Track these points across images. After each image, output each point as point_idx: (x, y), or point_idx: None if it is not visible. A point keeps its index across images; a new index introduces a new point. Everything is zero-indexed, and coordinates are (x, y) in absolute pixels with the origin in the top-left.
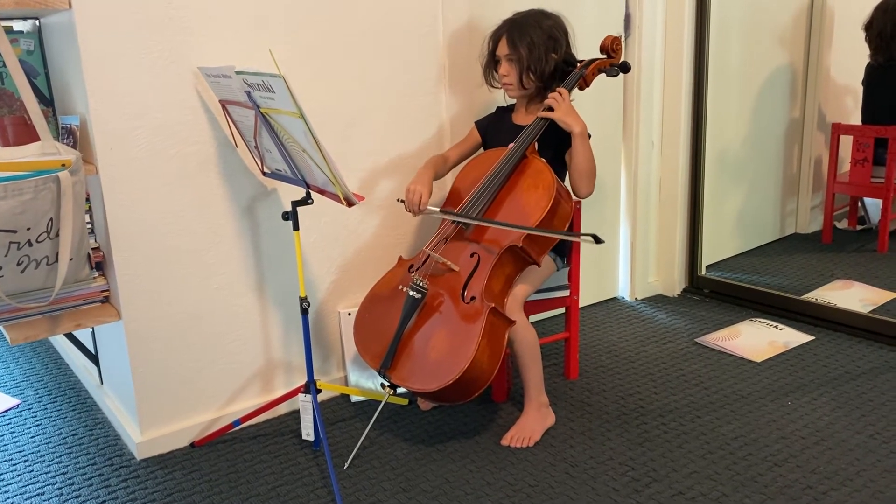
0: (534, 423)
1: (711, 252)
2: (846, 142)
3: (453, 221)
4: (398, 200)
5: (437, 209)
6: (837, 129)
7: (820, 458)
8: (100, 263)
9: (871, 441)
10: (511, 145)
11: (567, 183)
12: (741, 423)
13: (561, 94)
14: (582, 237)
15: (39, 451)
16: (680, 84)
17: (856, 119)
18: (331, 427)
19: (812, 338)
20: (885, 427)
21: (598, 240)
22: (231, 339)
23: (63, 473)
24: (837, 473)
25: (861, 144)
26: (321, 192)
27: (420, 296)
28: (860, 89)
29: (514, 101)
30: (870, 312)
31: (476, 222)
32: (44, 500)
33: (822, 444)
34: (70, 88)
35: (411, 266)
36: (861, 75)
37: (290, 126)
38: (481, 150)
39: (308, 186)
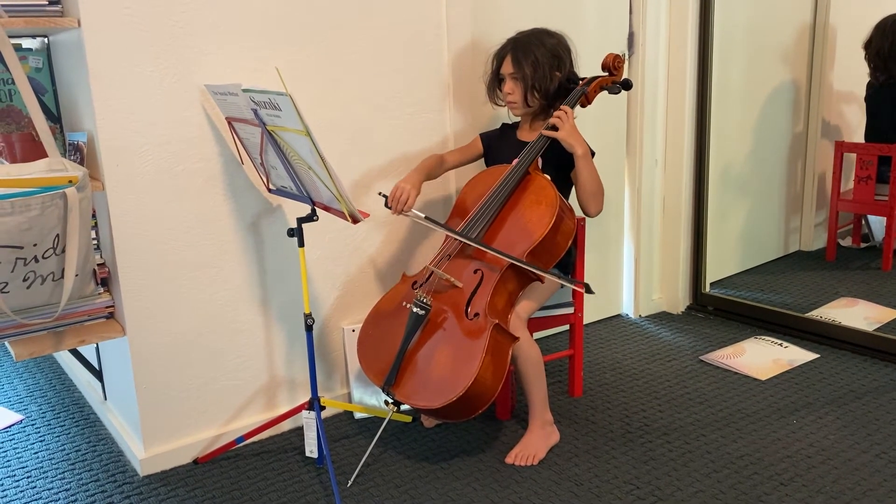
0: (538, 441)
1: (715, 269)
2: (850, 159)
3: (451, 235)
4: (380, 194)
5: (422, 215)
6: (841, 147)
7: (826, 477)
8: (105, 279)
9: (877, 461)
10: (514, 161)
11: (571, 199)
12: (746, 441)
13: (566, 112)
14: (574, 283)
15: (42, 467)
16: (683, 101)
17: (859, 136)
18: (334, 444)
19: (817, 356)
20: (892, 447)
21: (588, 290)
22: (235, 356)
23: (66, 490)
24: (844, 493)
25: (864, 162)
26: (326, 208)
27: (423, 312)
28: (863, 106)
29: (518, 118)
30: (874, 330)
31: (458, 237)
32: None
33: (827, 463)
34: (77, 105)
35: (415, 282)
36: (864, 92)
37: (296, 143)
38: (481, 160)
39: (313, 203)
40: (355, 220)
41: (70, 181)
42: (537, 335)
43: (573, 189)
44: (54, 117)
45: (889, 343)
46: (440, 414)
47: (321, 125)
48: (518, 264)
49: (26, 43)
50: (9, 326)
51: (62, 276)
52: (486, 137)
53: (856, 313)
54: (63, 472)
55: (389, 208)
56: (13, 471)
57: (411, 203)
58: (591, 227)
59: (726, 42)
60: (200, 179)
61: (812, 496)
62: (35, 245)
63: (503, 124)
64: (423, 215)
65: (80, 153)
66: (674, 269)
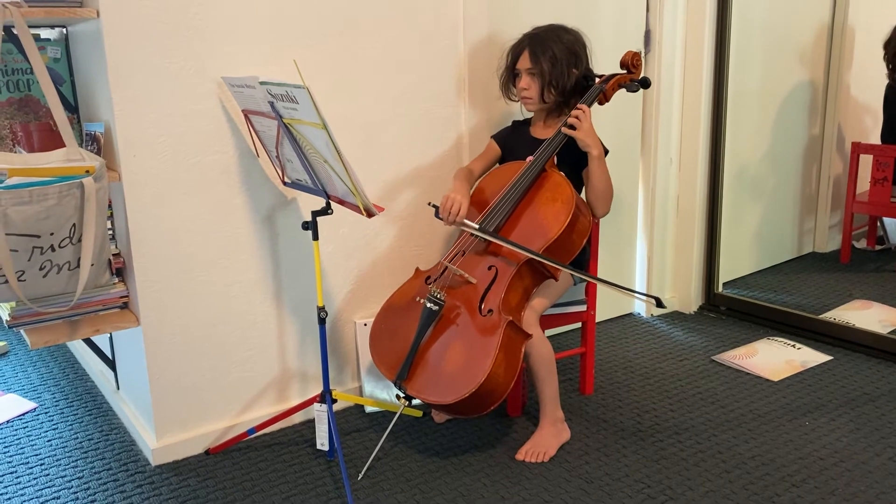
0: (549, 438)
1: (728, 269)
2: (865, 161)
3: (480, 238)
4: (429, 204)
5: (476, 225)
6: (857, 149)
7: (839, 479)
8: (120, 269)
9: (890, 463)
10: (529, 158)
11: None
12: (758, 442)
13: (584, 112)
14: (642, 296)
15: (56, 455)
16: (699, 100)
17: (875, 138)
18: (345, 437)
19: (830, 358)
20: None
21: (660, 303)
22: (248, 348)
23: (79, 478)
24: (856, 496)
25: (881, 164)
26: (341, 202)
27: (437, 308)
28: (880, 108)
29: (530, 114)
30: (889, 333)
31: (512, 247)
32: None
33: (840, 465)
34: (95, 96)
35: (428, 277)
36: (882, 94)
37: (313, 136)
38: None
39: (328, 197)
40: (370, 214)
41: (87, 171)
42: (549, 332)
43: (584, 188)
44: (72, 107)
45: None
46: (452, 409)
47: (336, 119)
48: (566, 270)
49: (45, 33)
50: (25, 314)
51: (78, 266)
52: (499, 138)
53: (870, 316)
54: (76, 461)
55: (441, 219)
56: (27, 458)
57: (463, 213)
58: (604, 226)
59: (743, 41)
60: (216, 171)
61: (824, 498)
62: (52, 234)
63: (514, 121)
64: (477, 225)
65: (97, 143)
66: (687, 269)
